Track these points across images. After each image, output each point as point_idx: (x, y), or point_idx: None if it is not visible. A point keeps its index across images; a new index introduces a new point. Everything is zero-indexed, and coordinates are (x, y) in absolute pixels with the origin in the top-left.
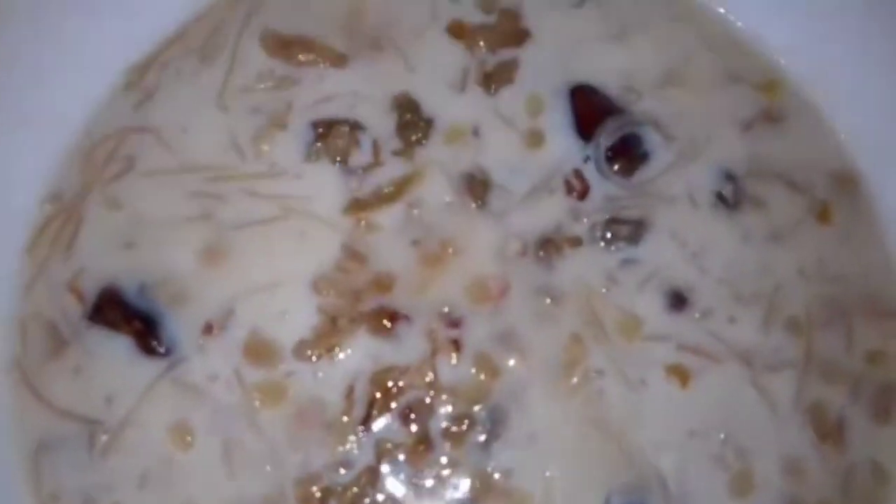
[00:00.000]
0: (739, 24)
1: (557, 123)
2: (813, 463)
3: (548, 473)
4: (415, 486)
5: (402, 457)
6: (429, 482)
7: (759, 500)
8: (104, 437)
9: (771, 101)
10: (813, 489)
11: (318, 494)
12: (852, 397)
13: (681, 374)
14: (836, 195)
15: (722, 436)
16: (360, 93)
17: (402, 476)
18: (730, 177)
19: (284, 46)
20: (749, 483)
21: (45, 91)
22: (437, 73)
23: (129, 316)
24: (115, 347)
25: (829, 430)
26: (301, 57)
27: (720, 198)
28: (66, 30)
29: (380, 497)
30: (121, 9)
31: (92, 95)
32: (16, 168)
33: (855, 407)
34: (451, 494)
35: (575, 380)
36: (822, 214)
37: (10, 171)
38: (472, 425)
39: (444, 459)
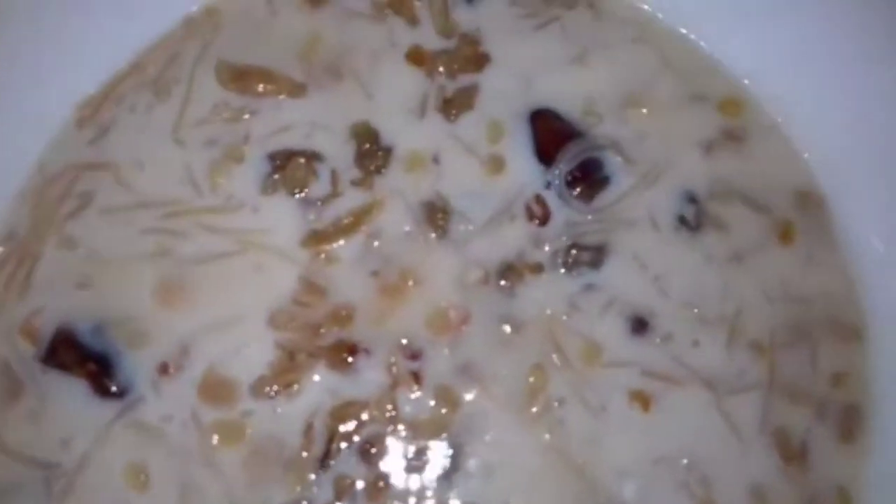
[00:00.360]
0: (702, 44)
1: (518, 149)
2: (777, 488)
3: None
4: None
5: (361, 493)
6: None
7: None
8: (61, 481)
9: (733, 122)
10: None
11: None
12: (817, 419)
13: (643, 400)
14: (798, 215)
15: (685, 461)
16: (318, 122)
17: None
18: (691, 199)
19: (240, 77)
20: None
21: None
22: (396, 100)
23: (83, 358)
24: (70, 389)
25: (793, 453)
26: (259, 87)
27: (682, 220)
28: (17, 64)
29: None
30: (73, 42)
31: (45, 131)
32: None
33: (820, 429)
34: None
35: (535, 409)
36: (785, 235)
37: None
38: (432, 458)
39: (403, 494)
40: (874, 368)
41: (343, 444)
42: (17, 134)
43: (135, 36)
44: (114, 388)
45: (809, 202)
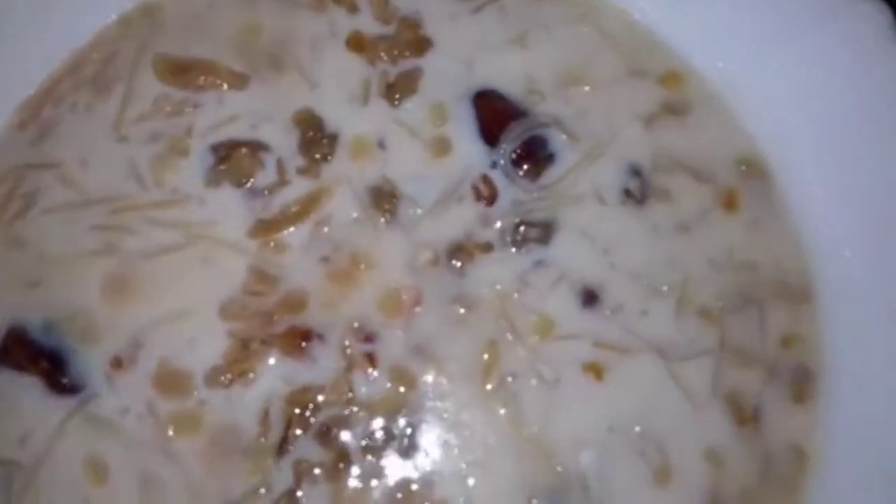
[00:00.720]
0: (640, 18)
1: (463, 130)
2: (732, 450)
3: (469, 482)
4: None
5: (321, 476)
6: (349, 499)
7: (680, 492)
8: (20, 478)
9: (674, 95)
10: (734, 476)
11: None
12: (769, 382)
13: (596, 370)
14: (742, 183)
15: (640, 429)
16: (262, 113)
17: (322, 495)
18: (636, 172)
19: (180, 71)
20: (669, 475)
21: None
22: (338, 87)
23: (35, 355)
24: (25, 388)
25: (746, 416)
26: (200, 80)
27: (627, 193)
28: None
29: None
30: (6, 46)
31: None
32: None
33: (771, 391)
34: None
35: (490, 385)
36: (729, 203)
37: None
38: (390, 438)
39: (363, 475)
40: (824, 330)
41: (300, 429)
42: None
43: (70, 36)
44: (68, 384)
45: (752, 170)
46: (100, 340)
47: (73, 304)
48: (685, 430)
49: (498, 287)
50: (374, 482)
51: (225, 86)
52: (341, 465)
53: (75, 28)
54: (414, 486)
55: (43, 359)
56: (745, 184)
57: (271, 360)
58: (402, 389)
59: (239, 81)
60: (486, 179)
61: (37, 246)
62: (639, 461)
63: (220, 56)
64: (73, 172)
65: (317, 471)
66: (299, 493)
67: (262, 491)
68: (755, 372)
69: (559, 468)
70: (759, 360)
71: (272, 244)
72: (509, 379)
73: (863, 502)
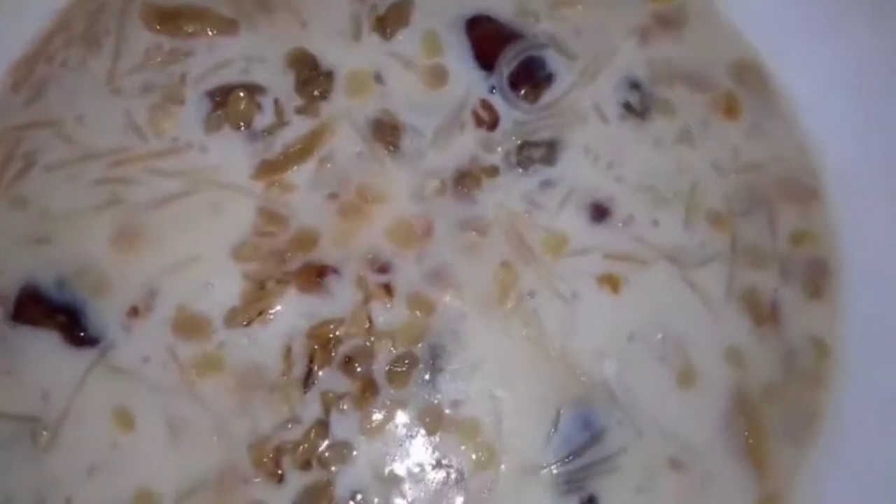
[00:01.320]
0: None
1: (458, 58)
2: (753, 349)
3: (495, 398)
4: (366, 430)
5: (348, 405)
6: (379, 425)
7: (704, 393)
8: (45, 433)
9: (664, 5)
10: (756, 374)
11: (271, 455)
12: (783, 279)
13: (612, 282)
14: (740, 87)
15: (660, 335)
16: (254, 55)
17: (351, 423)
18: (634, 86)
19: (168, 19)
20: (692, 378)
21: None
22: (330, 24)
23: (51, 311)
24: (43, 343)
25: (764, 314)
26: (188, 28)
27: (628, 107)
28: None
29: (333, 447)
30: None
31: None
32: None
33: (787, 287)
34: (402, 434)
35: (510, 304)
36: (729, 108)
37: None
38: (413, 364)
39: (390, 401)
40: (834, 225)
41: (324, 363)
42: None
43: None
44: (85, 337)
45: (749, 74)
46: (113, 291)
47: (84, 258)
48: (705, 333)
49: (507, 209)
50: (401, 408)
51: (215, 32)
52: (368, 394)
53: None
54: (442, 409)
55: (59, 313)
56: (744, 89)
57: (288, 298)
58: (420, 316)
59: (228, 26)
60: (485, 104)
61: (41, 204)
62: (661, 367)
63: (207, 2)
64: (71, 129)
65: (344, 400)
66: (331, 420)
67: (291, 424)
68: (769, 271)
69: (583, 379)
70: (771, 259)
71: (278, 184)
72: (527, 297)
73: (886, 390)
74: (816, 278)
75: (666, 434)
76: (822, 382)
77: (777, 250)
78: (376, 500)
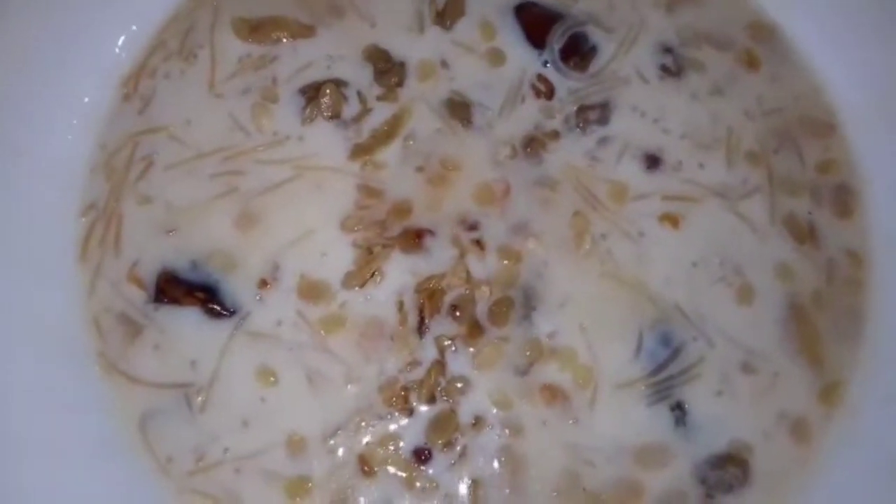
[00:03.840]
0: None
1: (511, 40)
2: (799, 264)
3: (584, 328)
4: (478, 365)
5: (459, 345)
6: (488, 359)
7: (762, 305)
8: (199, 397)
9: None
10: (805, 284)
11: (400, 394)
12: (815, 202)
13: (672, 220)
14: (757, 43)
15: (718, 261)
16: (334, 54)
17: (464, 360)
18: (667, 50)
19: (256, 29)
20: (751, 292)
21: (54, 121)
22: (395, 21)
23: (190, 290)
24: (186, 319)
25: (804, 234)
26: (273, 35)
27: (664, 69)
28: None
29: (451, 381)
30: (96, 31)
31: (97, 113)
32: (48, 193)
33: (820, 210)
34: (510, 364)
35: (586, 247)
36: (750, 62)
37: (44, 196)
38: (511, 305)
39: (495, 339)
40: (852, 152)
41: (433, 311)
42: (75, 120)
43: (148, 15)
44: (224, 309)
45: (764, 30)
46: (242, 268)
47: (211, 242)
48: (756, 255)
49: (572, 166)
50: (505, 343)
51: (296, 37)
52: (475, 334)
53: (152, 7)
54: (539, 340)
55: (197, 291)
56: (760, 44)
57: (395, 260)
58: (510, 264)
59: (306, 31)
60: (541, 78)
61: (164, 199)
62: (723, 287)
63: (285, 11)
64: (181, 132)
65: (455, 342)
66: (445, 361)
67: (412, 367)
68: (802, 197)
69: (658, 304)
70: (803, 187)
71: (371, 164)
72: (600, 240)
73: None
74: (843, 199)
75: (735, 343)
76: (861, 287)
77: (807, 179)
78: (496, 421)
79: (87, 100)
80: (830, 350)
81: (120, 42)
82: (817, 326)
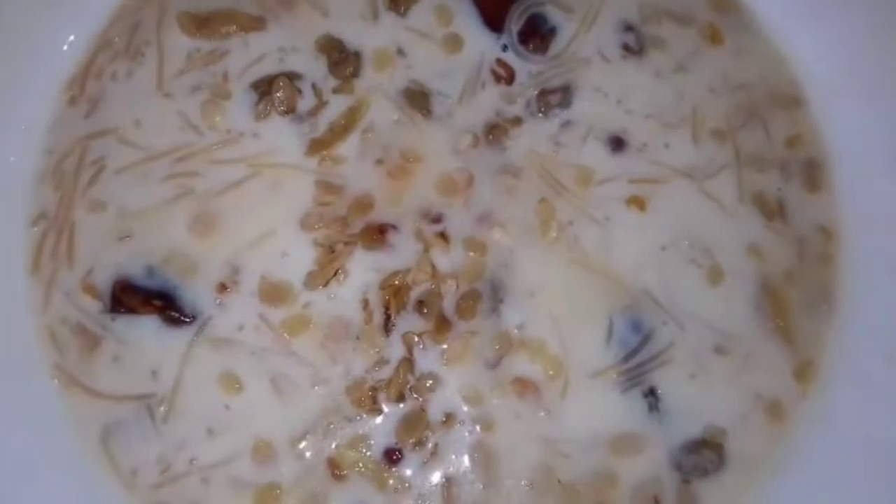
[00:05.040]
0: None
1: (468, 24)
2: (769, 242)
3: (554, 317)
4: (447, 360)
5: (427, 341)
6: (457, 354)
7: (733, 285)
8: (162, 407)
9: None
10: (775, 262)
11: (368, 394)
12: (784, 178)
13: (638, 202)
14: (719, 16)
15: (687, 242)
16: (286, 46)
17: (433, 356)
18: (628, 28)
19: (204, 24)
20: (721, 274)
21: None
22: (348, 10)
23: (146, 297)
24: (144, 328)
25: (773, 211)
26: (222, 29)
27: (626, 48)
28: None
29: (420, 379)
30: (36, 32)
31: (42, 118)
32: None
33: (788, 186)
34: (479, 358)
35: (552, 234)
36: (713, 37)
37: None
38: (478, 298)
39: (463, 333)
40: (820, 126)
41: (399, 307)
42: (19, 127)
43: (92, 14)
44: (182, 316)
45: (725, 4)
46: (200, 272)
47: (166, 246)
48: (725, 234)
49: (535, 152)
50: (473, 337)
51: (246, 30)
52: (442, 329)
53: (95, 6)
54: (509, 333)
55: (154, 298)
56: (723, 18)
57: (357, 257)
58: (476, 256)
59: (256, 23)
60: (500, 62)
61: (117, 204)
62: (693, 268)
63: (234, 4)
64: (131, 133)
65: (423, 338)
66: (414, 359)
67: (380, 365)
68: (771, 173)
69: (628, 289)
70: (771, 162)
71: (329, 158)
72: (567, 226)
73: (888, 259)
74: (812, 174)
75: (706, 325)
76: (831, 262)
77: (775, 154)
78: (467, 417)
79: (31, 104)
80: (803, 328)
81: (64, 43)
82: (789, 304)
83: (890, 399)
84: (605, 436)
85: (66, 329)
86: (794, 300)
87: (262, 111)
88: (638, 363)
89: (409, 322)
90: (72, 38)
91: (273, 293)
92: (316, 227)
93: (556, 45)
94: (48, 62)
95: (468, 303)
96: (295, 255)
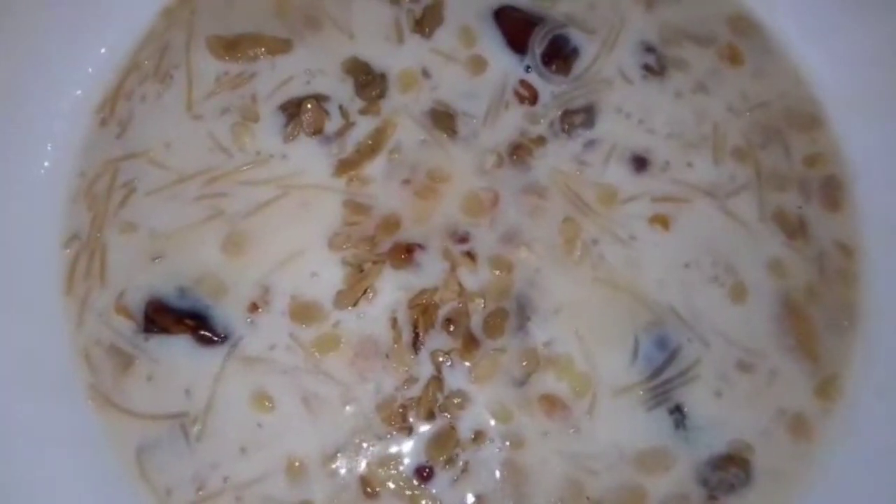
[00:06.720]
0: None
1: (492, 46)
2: (790, 259)
3: (580, 335)
4: (475, 378)
5: (456, 359)
6: (485, 372)
7: (756, 302)
8: (195, 426)
9: None
10: (797, 279)
11: (398, 412)
12: (804, 196)
13: (662, 221)
14: (739, 37)
15: (710, 260)
16: (313, 69)
17: (461, 374)
18: (649, 49)
19: (232, 47)
20: (744, 290)
21: (30, 151)
22: (374, 32)
23: (178, 318)
24: (177, 347)
25: (794, 229)
26: (250, 52)
27: (647, 68)
28: (24, 91)
29: (449, 397)
30: (69, 55)
31: (73, 142)
32: (28, 226)
33: (809, 204)
34: (507, 376)
35: (577, 253)
36: (733, 57)
37: (25, 228)
38: (505, 316)
39: (491, 350)
40: (840, 144)
41: (427, 326)
42: (52, 149)
43: (121, 37)
44: (215, 336)
45: (745, 25)
46: (231, 292)
47: (198, 267)
48: (747, 252)
49: (560, 171)
50: (501, 354)
51: (273, 53)
52: (470, 347)
53: (124, 29)
54: (536, 350)
55: (187, 318)
56: (742, 38)
57: (386, 276)
58: (502, 274)
59: (284, 46)
60: (524, 83)
61: (148, 226)
62: (716, 286)
63: (261, 27)
64: (161, 155)
65: (451, 356)
66: (442, 377)
67: (409, 384)
68: (791, 192)
69: (653, 307)
70: (791, 181)
71: (356, 179)
72: (591, 245)
73: None
74: (832, 192)
75: (730, 342)
76: (853, 279)
77: (795, 173)
78: (496, 434)
79: (63, 126)
80: (825, 344)
81: (93, 66)
82: (811, 321)
83: None
84: (631, 452)
85: (100, 349)
86: (816, 316)
87: (290, 133)
88: (664, 380)
89: (437, 340)
90: (101, 60)
91: (303, 312)
92: (344, 246)
93: (579, 66)
94: (79, 84)
95: (495, 321)
96: (324, 275)
